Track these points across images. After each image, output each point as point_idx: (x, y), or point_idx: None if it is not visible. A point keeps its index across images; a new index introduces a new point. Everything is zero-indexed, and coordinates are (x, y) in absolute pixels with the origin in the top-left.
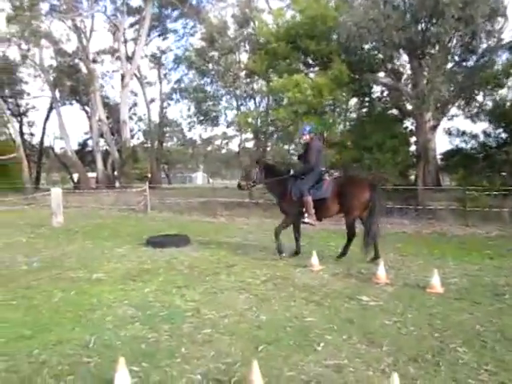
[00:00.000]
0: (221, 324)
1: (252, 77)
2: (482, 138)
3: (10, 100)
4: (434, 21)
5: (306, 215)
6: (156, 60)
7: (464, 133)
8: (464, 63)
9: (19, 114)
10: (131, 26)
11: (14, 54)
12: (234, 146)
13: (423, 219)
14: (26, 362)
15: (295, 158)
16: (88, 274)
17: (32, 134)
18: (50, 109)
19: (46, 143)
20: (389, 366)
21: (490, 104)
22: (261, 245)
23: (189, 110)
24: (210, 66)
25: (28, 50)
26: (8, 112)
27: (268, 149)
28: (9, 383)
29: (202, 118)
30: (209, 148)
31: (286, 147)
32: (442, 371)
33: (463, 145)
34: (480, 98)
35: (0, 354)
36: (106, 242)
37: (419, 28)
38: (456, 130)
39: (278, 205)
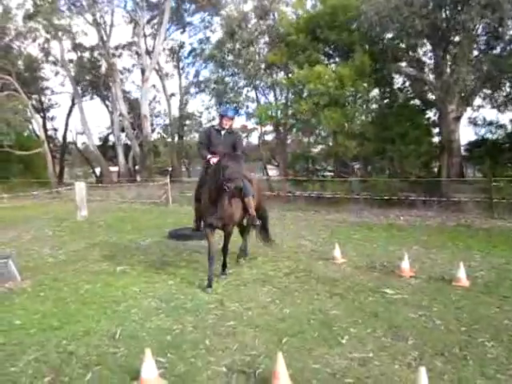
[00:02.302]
0: (244, 316)
1: (272, 69)
2: (509, 127)
3: (33, 96)
4: (459, 8)
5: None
6: (175, 54)
7: (491, 123)
8: (490, 51)
9: (42, 110)
10: (150, 20)
11: (35, 51)
12: (253, 138)
13: (447, 211)
14: (54, 352)
15: (315, 150)
16: (112, 266)
17: (55, 130)
18: (72, 104)
19: (69, 138)
20: (415, 359)
21: None
22: (281, 237)
23: (210, 100)
24: (230, 57)
25: (44, 47)
26: (31, 108)
27: (288, 141)
28: (39, 372)
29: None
30: None
31: (306, 139)
32: (470, 366)
33: (489, 135)
34: (507, 87)
35: (30, 344)
36: (130, 235)
37: (443, 15)
38: (482, 119)
39: (215, 210)
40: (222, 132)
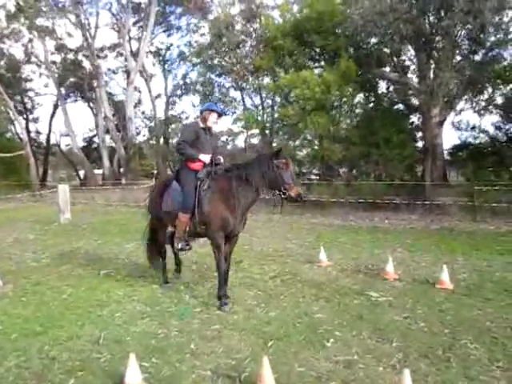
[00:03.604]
0: (230, 320)
1: (259, 72)
2: (491, 131)
3: (16, 97)
4: (442, 14)
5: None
6: (161, 56)
7: (474, 127)
8: (472, 57)
9: (25, 112)
10: (136, 22)
11: (18, 52)
12: (239, 142)
13: (431, 214)
14: (37, 358)
15: (301, 153)
16: (97, 270)
17: (38, 132)
18: (56, 106)
19: (53, 140)
20: (399, 361)
21: (498, 98)
22: (268, 241)
23: (200, 101)
24: (218, 59)
25: (28, 48)
26: (14, 109)
27: (274, 144)
28: (20, 379)
29: None
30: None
31: (291, 143)
32: (453, 367)
33: (471, 139)
34: (489, 91)
35: (11, 350)
36: (114, 238)
37: (427, 21)
38: (465, 124)
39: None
40: (207, 131)
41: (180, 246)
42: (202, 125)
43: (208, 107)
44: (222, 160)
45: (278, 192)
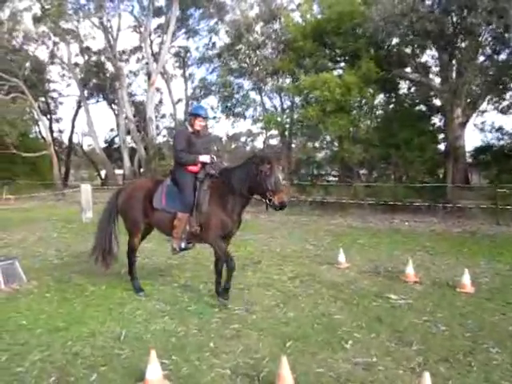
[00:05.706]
0: (248, 320)
1: (278, 73)
2: None
3: (40, 98)
4: (466, 13)
5: None
6: (181, 58)
7: (499, 128)
8: (496, 56)
9: (49, 112)
10: (157, 28)
11: (43, 54)
12: (258, 143)
13: (452, 217)
14: (60, 353)
15: (320, 155)
16: (117, 268)
17: (61, 132)
18: (78, 107)
19: (75, 140)
20: (419, 365)
21: None
22: (286, 241)
23: (219, 102)
24: (237, 62)
25: (52, 50)
26: (38, 110)
27: (293, 145)
28: (44, 373)
29: (228, 112)
30: (233, 145)
31: (311, 144)
32: (475, 372)
33: (495, 141)
34: None
35: (36, 345)
36: None
37: (450, 21)
38: (490, 125)
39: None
40: (196, 135)
41: (183, 245)
42: (190, 129)
43: (193, 111)
44: (215, 159)
45: (262, 198)
